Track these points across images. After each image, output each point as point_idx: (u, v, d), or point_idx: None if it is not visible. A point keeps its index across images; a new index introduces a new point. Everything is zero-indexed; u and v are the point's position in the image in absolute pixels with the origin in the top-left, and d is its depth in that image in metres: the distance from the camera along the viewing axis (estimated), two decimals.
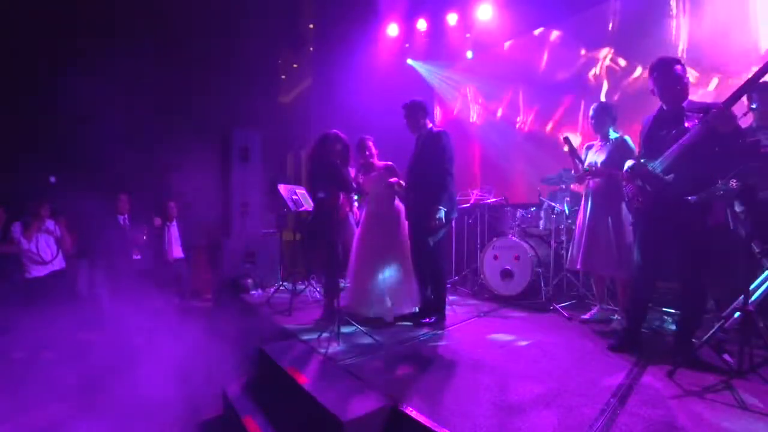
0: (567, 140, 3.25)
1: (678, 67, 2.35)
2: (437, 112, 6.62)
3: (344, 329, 2.92)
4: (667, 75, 2.36)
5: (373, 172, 3.46)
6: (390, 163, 3.47)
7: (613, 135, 3.12)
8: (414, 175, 3.22)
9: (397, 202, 3.46)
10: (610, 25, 4.60)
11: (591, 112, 3.21)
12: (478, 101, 6.03)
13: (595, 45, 4.73)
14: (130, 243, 4.85)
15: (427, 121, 3.27)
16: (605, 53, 4.65)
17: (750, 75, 2.00)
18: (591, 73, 4.75)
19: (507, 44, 5.67)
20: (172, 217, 5.14)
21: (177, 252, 5.12)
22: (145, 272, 4.80)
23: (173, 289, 4.97)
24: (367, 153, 3.49)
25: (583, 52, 4.82)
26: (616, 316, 3.16)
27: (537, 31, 5.31)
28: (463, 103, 6.25)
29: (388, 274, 3.20)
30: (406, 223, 3.33)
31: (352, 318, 3.02)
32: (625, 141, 3.05)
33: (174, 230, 5.15)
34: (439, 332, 3.03)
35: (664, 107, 2.46)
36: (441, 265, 3.23)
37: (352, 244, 3.41)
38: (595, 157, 3.17)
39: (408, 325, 3.18)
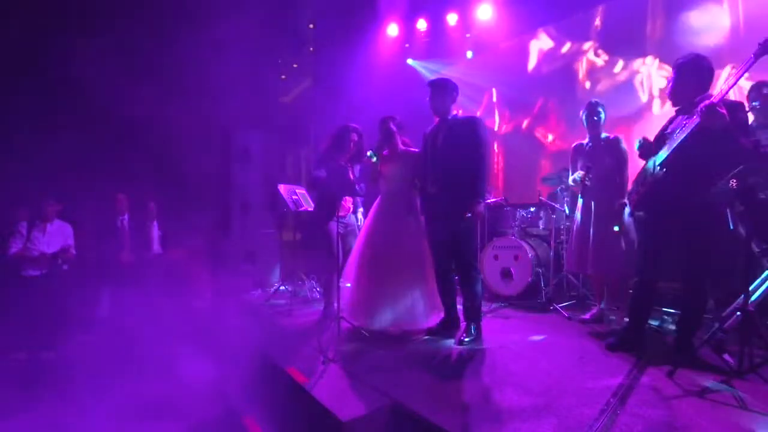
0: (588, 170, 3.05)
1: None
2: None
3: (343, 329, 2.92)
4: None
5: (397, 160, 3.10)
6: (416, 150, 3.08)
7: (603, 135, 3.15)
8: (440, 167, 2.81)
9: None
10: (648, 28, 4.19)
11: (583, 111, 3.19)
12: (503, 109, 5.82)
13: (632, 53, 4.32)
14: (128, 244, 4.81)
15: (453, 108, 2.91)
16: (649, 61, 4.25)
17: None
18: (637, 82, 4.35)
19: (531, 64, 5.37)
20: (151, 216, 5.06)
21: (156, 250, 5.06)
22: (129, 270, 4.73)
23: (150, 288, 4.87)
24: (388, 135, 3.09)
25: (620, 63, 4.43)
26: (613, 317, 3.17)
27: (564, 48, 5.04)
28: (487, 109, 6.01)
29: (401, 279, 2.93)
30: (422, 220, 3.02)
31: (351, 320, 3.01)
32: (617, 141, 3.07)
33: (154, 230, 5.07)
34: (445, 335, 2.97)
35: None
36: (475, 267, 2.85)
37: (355, 242, 3.38)
38: (587, 156, 3.18)
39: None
